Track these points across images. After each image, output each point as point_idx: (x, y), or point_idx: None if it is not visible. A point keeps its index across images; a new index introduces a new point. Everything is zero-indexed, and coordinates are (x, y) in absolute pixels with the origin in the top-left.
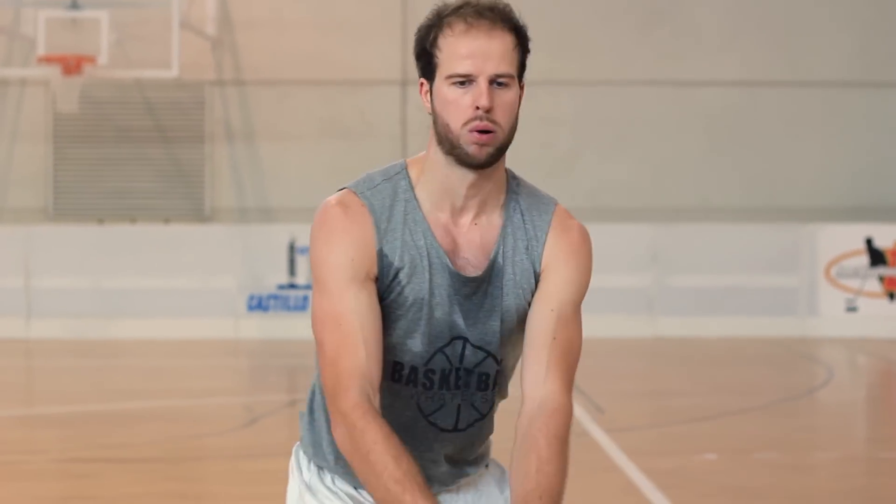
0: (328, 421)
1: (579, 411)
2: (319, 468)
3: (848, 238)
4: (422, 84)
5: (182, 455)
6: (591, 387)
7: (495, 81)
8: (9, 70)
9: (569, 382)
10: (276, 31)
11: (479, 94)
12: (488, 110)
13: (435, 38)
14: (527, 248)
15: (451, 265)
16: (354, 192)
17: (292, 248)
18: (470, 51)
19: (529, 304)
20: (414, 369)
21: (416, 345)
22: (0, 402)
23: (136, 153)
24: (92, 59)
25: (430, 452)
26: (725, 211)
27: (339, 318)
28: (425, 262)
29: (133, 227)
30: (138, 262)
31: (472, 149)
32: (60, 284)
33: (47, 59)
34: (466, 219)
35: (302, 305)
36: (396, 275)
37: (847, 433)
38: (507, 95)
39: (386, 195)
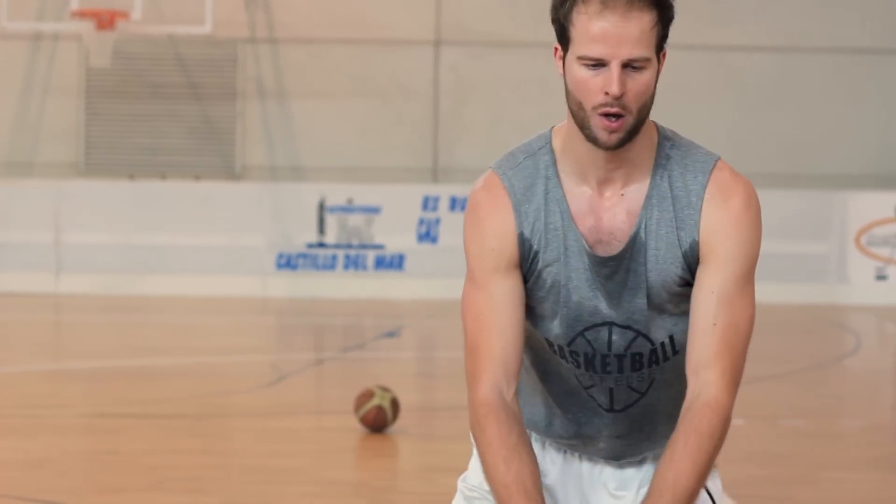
0: (524, 391)
1: None
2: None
3: (879, 206)
4: (556, 49)
5: (208, 412)
6: None
7: (629, 65)
8: (42, 24)
9: (730, 373)
10: None
11: (609, 80)
12: (618, 97)
13: (569, 11)
14: (675, 219)
15: (587, 247)
16: (496, 173)
17: (322, 207)
18: (603, 33)
19: (683, 278)
20: (560, 348)
21: (556, 327)
22: (28, 356)
23: (167, 109)
24: (125, 15)
25: (590, 428)
26: (757, 177)
27: (479, 309)
28: (562, 246)
29: (163, 184)
30: (168, 218)
31: (601, 134)
32: (90, 240)
33: (81, 14)
34: (613, 190)
35: (331, 265)
36: (535, 257)
37: (875, 401)
38: (641, 78)
39: (527, 174)
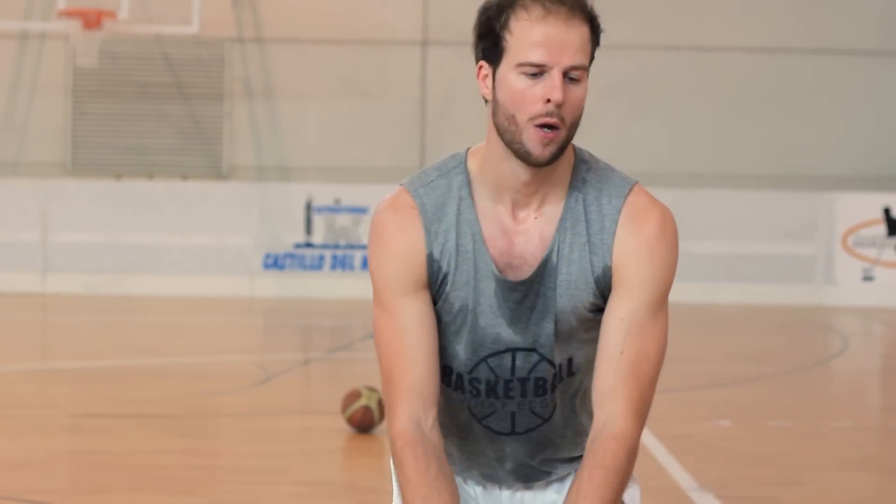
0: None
1: None
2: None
3: (866, 207)
4: (481, 67)
5: (195, 412)
6: None
7: (568, 75)
8: (29, 23)
9: (636, 403)
10: None
11: (552, 86)
12: (559, 105)
13: (506, 20)
14: (588, 244)
15: (497, 271)
16: (407, 191)
17: (309, 207)
18: (546, 38)
19: (594, 304)
20: (460, 376)
21: (460, 352)
22: (15, 356)
23: (154, 109)
24: (112, 14)
25: (491, 452)
26: (744, 178)
27: (390, 335)
28: (471, 268)
29: (150, 184)
30: (155, 218)
31: (534, 147)
32: (77, 239)
33: (68, 13)
34: (528, 212)
35: (318, 265)
36: (444, 279)
37: (861, 402)
38: (577, 91)
39: (439, 193)
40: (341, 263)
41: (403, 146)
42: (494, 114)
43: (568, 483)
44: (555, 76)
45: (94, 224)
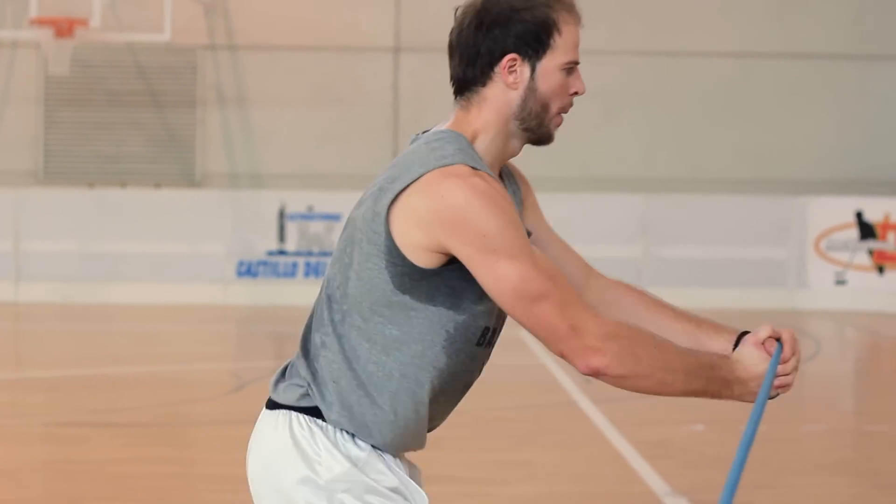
0: (408, 403)
1: (567, 382)
2: (374, 448)
3: (838, 211)
4: (514, 60)
5: (169, 420)
6: None
7: None
8: (1, 32)
9: None
10: None
11: (580, 82)
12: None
13: (557, 22)
14: (514, 193)
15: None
16: (467, 165)
17: (282, 215)
18: (578, 42)
19: None
20: (493, 330)
21: (495, 306)
22: None
23: (127, 117)
24: (84, 22)
25: (452, 407)
26: (716, 182)
27: (543, 267)
28: None
29: (123, 192)
30: (128, 226)
31: (553, 131)
32: (50, 248)
33: (39, 22)
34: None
35: (291, 272)
36: None
37: (834, 406)
38: None
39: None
40: (314, 271)
41: (376, 152)
42: (525, 100)
43: None
44: (578, 73)
45: (66, 232)
